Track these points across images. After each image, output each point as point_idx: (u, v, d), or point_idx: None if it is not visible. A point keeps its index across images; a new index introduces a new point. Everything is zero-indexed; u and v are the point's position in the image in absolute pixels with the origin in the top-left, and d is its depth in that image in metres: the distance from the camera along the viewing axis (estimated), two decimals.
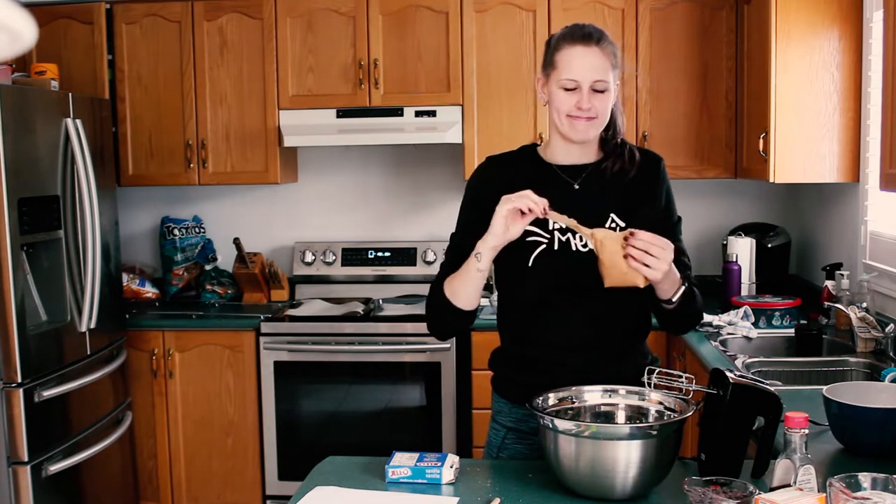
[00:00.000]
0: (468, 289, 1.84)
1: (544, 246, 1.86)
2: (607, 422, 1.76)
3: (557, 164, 1.92)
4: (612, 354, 1.91)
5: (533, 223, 1.81)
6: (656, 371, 1.69)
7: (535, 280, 1.87)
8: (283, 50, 3.83)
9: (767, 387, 1.69)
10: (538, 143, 2.03)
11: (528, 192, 1.73)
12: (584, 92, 1.81)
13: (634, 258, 1.67)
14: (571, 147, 1.90)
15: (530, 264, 1.86)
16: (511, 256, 1.86)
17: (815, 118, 3.18)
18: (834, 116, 3.18)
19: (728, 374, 1.66)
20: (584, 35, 1.82)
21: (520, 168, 1.94)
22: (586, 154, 1.92)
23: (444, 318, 1.93)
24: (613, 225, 1.86)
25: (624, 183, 1.89)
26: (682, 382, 1.68)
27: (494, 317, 3.63)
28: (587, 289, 1.83)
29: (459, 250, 1.88)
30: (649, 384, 1.70)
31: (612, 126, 1.90)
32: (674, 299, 1.78)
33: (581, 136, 1.85)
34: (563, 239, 1.86)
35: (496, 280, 2.02)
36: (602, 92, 1.81)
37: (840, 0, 3.14)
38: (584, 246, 1.85)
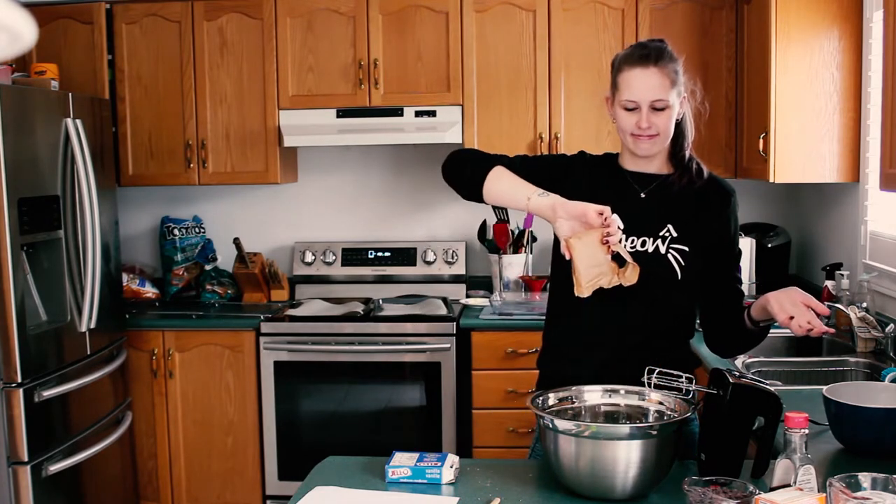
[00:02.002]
0: (506, 194, 1.91)
1: None
2: (608, 422, 1.76)
3: (630, 172, 2.01)
4: (659, 355, 1.90)
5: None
6: (656, 371, 1.69)
7: None
8: (283, 50, 3.83)
9: (767, 387, 1.69)
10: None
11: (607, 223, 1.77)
12: (643, 112, 1.89)
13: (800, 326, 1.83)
14: (639, 159, 1.98)
15: None
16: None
17: (815, 118, 3.18)
18: (834, 116, 3.18)
19: (728, 374, 1.66)
20: (642, 56, 1.90)
21: (600, 170, 2.04)
22: (656, 165, 2.00)
23: (464, 173, 1.98)
24: (667, 234, 1.93)
25: (688, 198, 1.96)
26: (682, 382, 1.68)
27: (494, 317, 3.66)
28: (635, 291, 1.88)
29: (524, 166, 1.97)
30: (649, 384, 1.70)
31: (679, 139, 1.97)
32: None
33: (644, 153, 1.95)
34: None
35: (552, 279, 2.06)
36: (662, 110, 1.89)
37: (840, 0, 3.14)
38: (633, 248, 1.92)
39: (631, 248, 1.91)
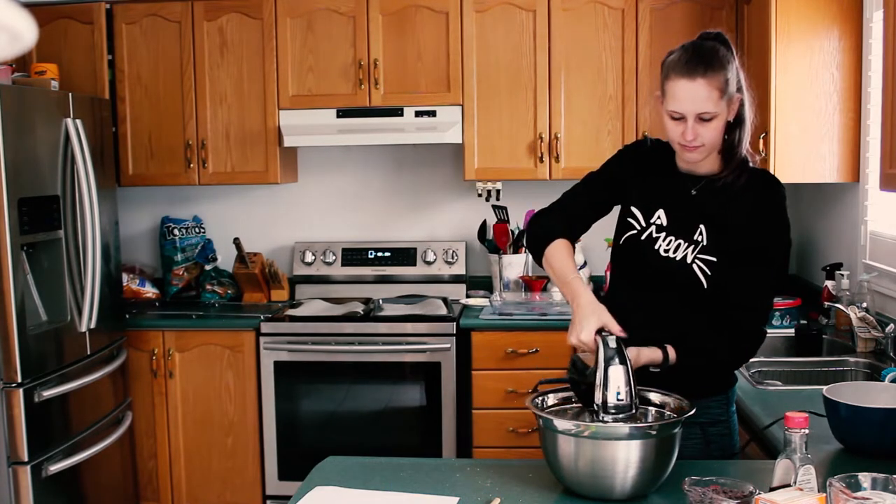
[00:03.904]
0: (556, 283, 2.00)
1: (634, 232, 1.99)
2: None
3: (683, 171, 1.98)
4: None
5: (639, 208, 1.98)
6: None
7: (622, 258, 2.03)
8: (283, 50, 3.83)
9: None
10: None
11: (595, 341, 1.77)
12: (689, 123, 1.84)
13: None
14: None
15: (622, 242, 2.01)
16: (616, 232, 2.04)
17: (815, 118, 3.18)
18: (834, 116, 3.18)
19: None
20: (689, 68, 1.82)
21: (658, 162, 2.02)
22: (707, 166, 1.95)
23: (534, 251, 2.07)
24: (699, 238, 1.91)
25: (729, 200, 1.90)
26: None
27: (494, 317, 3.66)
28: (658, 288, 1.93)
29: (581, 196, 2.07)
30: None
31: (733, 139, 1.90)
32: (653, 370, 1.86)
33: (689, 161, 1.93)
34: (658, 235, 1.95)
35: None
36: (709, 121, 1.84)
37: (840, 0, 3.14)
38: (666, 252, 1.93)
39: (665, 252, 1.93)
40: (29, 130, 3.01)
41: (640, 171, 2.01)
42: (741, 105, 1.88)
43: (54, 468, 3.05)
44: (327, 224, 4.27)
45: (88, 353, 3.33)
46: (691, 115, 1.83)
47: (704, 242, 1.90)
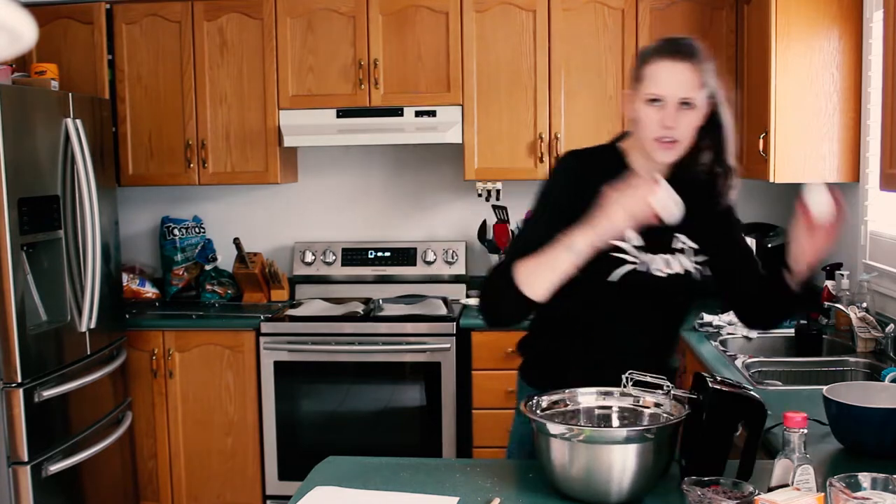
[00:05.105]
0: (549, 279, 1.71)
1: (632, 267, 1.83)
2: (602, 425, 1.72)
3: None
4: (655, 363, 1.88)
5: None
6: (629, 374, 1.67)
7: (618, 295, 1.84)
8: (283, 50, 3.83)
9: (751, 392, 1.64)
10: (619, 136, 1.95)
11: (635, 185, 1.64)
12: (669, 108, 1.74)
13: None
14: (655, 163, 1.83)
15: (615, 279, 1.82)
16: (588, 267, 1.73)
17: (815, 118, 3.18)
18: (834, 116, 3.18)
19: (709, 379, 1.61)
20: (674, 50, 1.76)
21: (607, 177, 1.76)
22: (669, 170, 1.84)
23: (506, 306, 1.79)
24: (682, 245, 1.87)
25: (697, 200, 1.83)
26: (661, 392, 1.66)
27: None
28: (652, 308, 1.89)
29: (531, 242, 1.77)
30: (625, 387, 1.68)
31: (720, 147, 1.84)
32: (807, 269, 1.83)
33: (665, 160, 1.80)
34: (645, 259, 1.84)
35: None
36: (688, 111, 1.75)
37: (840, 0, 3.14)
38: (662, 272, 1.85)
39: (661, 272, 1.83)
40: (29, 130, 3.01)
41: (592, 186, 1.73)
42: (717, 113, 1.81)
43: (54, 468, 3.05)
44: (327, 224, 4.27)
45: (88, 353, 3.33)
46: (673, 99, 1.73)
47: (694, 246, 1.88)
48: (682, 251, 1.87)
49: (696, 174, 1.86)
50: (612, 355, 1.87)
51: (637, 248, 1.83)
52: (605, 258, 1.79)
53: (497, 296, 1.81)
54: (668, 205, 1.63)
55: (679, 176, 1.82)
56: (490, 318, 1.86)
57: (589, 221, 1.67)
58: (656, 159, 1.80)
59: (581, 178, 1.82)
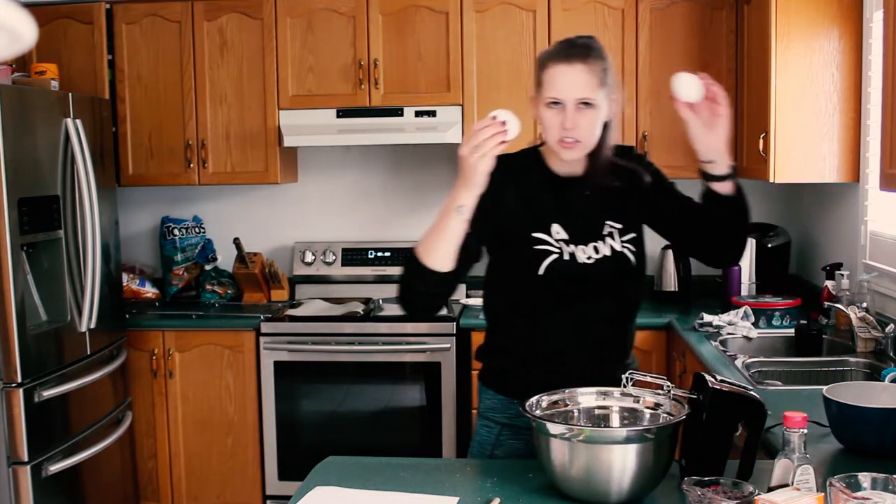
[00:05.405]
0: (447, 244, 1.81)
1: (556, 256, 1.88)
2: (602, 425, 1.72)
3: (563, 176, 1.94)
4: (607, 356, 1.96)
5: (539, 231, 1.86)
6: (629, 374, 1.68)
7: (546, 287, 1.89)
8: (283, 50, 3.83)
9: (751, 392, 1.64)
10: (538, 143, 2.03)
11: (475, 128, 1.75)
12: (567, 110, 1.81)
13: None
14: (567, 161, 1.91)
15: (542, 272, 1.87)
16: (517, 263, 1.89)
17: (815, 118, 3.18)
18: (834, 116, 3.18)
19: (709, 379, 1.62)
20: (568, 53, 1.81)
21: (528, 177, 1.96)
22: (582, 165, 1.92)
23: (416, 284, 1.85)
24: (611, 229, 1.91)
25: (616, 193, 1.92)
26: (662, 392, 1.66)
27: None
28: (589, 296, 1.90)
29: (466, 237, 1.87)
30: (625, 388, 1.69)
31: (601, 143, 1.88)
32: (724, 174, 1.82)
33: (570, 158, 1.87)
34: (570, 250, 1.89)
35: (491, 284, 2.02)
36: (588, 109, 1.81)
37: (840, 0, 3.14)
38: (589, 258, 1.89)
39: (588, 259, 1.88)
40: (29, 130, 3.01)
41: (515, 185, 1.91)
42: (612, 112, 1.87)
43: (54, 468, 3.05)
44: (327, 224, 4.27)
45: (88, 353, 3.33)
46: (571, 101, 1.80)
47: (620, 226, 1.91)
48: (610, 235, 1.91)
49: (610, 160, 1.91)
50: (563, 352, 1.92)
51: (562, 240, 1.88)
52: (530, 253, 1.87)
53: (408, 276, 1.85)
54: (511, 128, 1.76)
55: (596, 165, 1.90)
56: (406, 302, 1.89)
57: (459, 179, 1.75)
58: (562, 158, 1.88)
59: (494, 180, 1.82)
